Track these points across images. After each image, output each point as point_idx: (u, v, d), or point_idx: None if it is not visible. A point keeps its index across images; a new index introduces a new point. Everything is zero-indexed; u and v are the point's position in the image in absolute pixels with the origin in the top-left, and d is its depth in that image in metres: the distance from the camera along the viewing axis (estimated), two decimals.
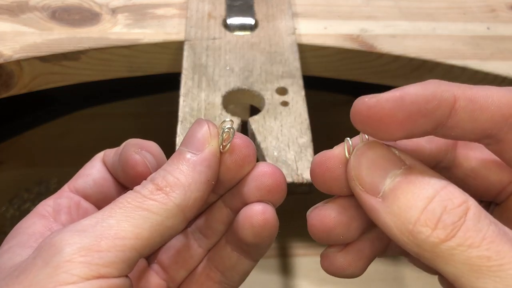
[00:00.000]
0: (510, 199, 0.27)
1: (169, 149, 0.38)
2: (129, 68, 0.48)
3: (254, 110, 0.42)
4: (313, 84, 0.47)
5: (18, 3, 0.50)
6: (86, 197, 0.31)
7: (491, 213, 0.26)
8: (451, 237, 0.20)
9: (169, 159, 0.26)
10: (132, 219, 0.24)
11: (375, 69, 0.48)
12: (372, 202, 0.23)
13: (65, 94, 0.61)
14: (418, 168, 0.23)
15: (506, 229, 0.21)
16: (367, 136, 0.25)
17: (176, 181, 0.25)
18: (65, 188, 0.31)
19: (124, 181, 0.30)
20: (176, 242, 0.30)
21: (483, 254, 0.20)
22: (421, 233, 0.21)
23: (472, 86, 0.23)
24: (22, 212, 0.58)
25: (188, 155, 0.26)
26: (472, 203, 0.21)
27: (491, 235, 0.20)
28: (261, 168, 0.27)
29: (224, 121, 0.27)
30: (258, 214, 0.27)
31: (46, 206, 0.30)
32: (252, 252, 0.29)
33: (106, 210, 0.24)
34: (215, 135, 0.26)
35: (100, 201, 0.31)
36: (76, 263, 0.22)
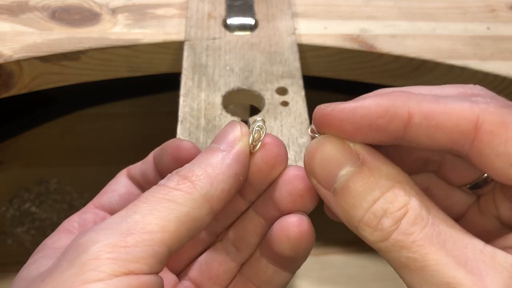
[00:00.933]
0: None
1: None
2: (129, 68, 0.48)
3: (254, 110, 0.42)
4: (313, 84, 0.47)
5: (18, 3, 0.50)
6: (113, 213, 0.29)
7: (494, 185, 0.27)
8: (386, 239, 0.22)
9: (198, 155, 0.26)
10: (157, 211, 0.23)
11: (375, 69, 0.48)
12: (325, 194, 0.24)
13: (65, 94, 0.61)
14: (371, 164, 0.24)
15: (448, 224, 0.23)
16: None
17: (203, 171, 0.24)
18: (90, 205, 0.31)
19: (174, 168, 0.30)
20: (208, 257, 0.29)
21: (411, 256, 0.22)
22: (364, 231, 0.23)
23: (433, 98, 0.23)
24: (22, 212, 0.58)
25: (219, 150, 0.25)
26: (412, 205, 0.23)
27: (421, 238, 0.22)
28: (293, 171, 0.27)
29: (255, 121, 0.27)
30: (294, 226, 0.26)
31: (72, 222, 0.29)
32: (289, 264, 0.28)
33: (131, 206, 0.24)
34: (246, 134, 0.26)
35: None
36: (103, 260, 0.21)
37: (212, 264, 0.29)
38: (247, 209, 0.29)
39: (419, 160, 0.27)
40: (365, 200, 0.23)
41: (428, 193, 0.28)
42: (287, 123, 0.39)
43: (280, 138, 0.38)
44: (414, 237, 0.22)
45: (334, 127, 0.24)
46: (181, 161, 0.28)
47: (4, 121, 0.61)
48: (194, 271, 0.29)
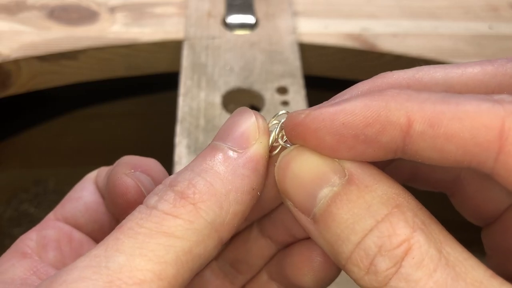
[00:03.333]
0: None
1: (168, 149, 0.38)
2: (127, 67, 0.47)
3: (254, 110, 0.42)
4: (313, 84, 0.47)
5: (16, 2, 0.49)
6: (78, 227, 0.24)
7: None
8: (383, 285, 0.17)
9: (196, 157, 0.19)
10: (149, 251, 0.17)
11: (376, 68, 0.48)
12: (304, 222, 0.18)
13: (63, 94, 0.61)
14: (361, 182, 0.18)
15: (469, 265, 0.16)
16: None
17: (209, 187, 0.18)
18: (51, 216, 0.25)
19: (113, 212, 0.24)
20: (202, 279, 0.24)
21: None
22: (353, 273, 0.17)
23: (441, 98, 0.17)
24: (20, 213, 0.58)
25: (228, 152, 0.19)
26: (417, 239, 0.16)
27: (431, 286, 0.16)
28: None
29: (277, 114, 0.21)
30: (319, 256, 0.21)
31: (28, 240, 0.23)
32: None
33: (110, 241, 0.17)
34: (265, 130, 0.20)
35: (96, 232, 0.25)
36: None
37: (247, 249, 0.24)
38: (249, 226, 0.24)
39: (426, 178, 0.22)
40: (353, 231, 0.17)
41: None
42: None
43: None
44: (422, 285, 0.16)
45: (309, 141, 0.18)
46: (124, 211, 0.22)
47: (1, 121, 0.60)
48: (228, 254, 0.24)
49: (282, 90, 0.41)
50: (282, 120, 0.20)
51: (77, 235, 0.24)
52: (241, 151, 0.19)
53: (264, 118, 0.20)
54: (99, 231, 0.25)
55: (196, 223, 0.17)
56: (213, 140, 0.20)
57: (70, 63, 0.45)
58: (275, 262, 0.23)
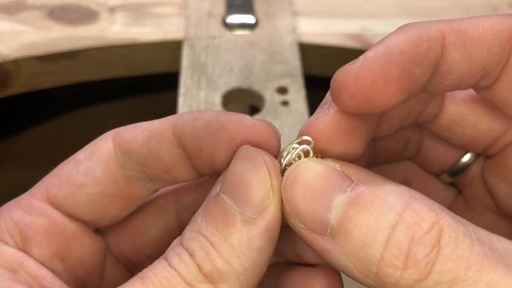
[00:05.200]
0: (504, 153, 0.23)
1: None
2: (127, 67, 0.47)
3: (254, 110, 0.42)
4: (313, 84, 0.47)
5: (16, 2, 0.49)
6: (74, 216, 0.21)
7: (481, 168, 0.24)
8: (427, 274, 0.16)
9: (206, 210, 0.18)
10: None
11: None
12: (320, 242, 0.18)
13: (63, 94, 0.61)
14: (370, 183, 0.18)
15: (494, 238, 0.17)
16: (301, 145, 0.20)
17: (227, 267, 0.17)
18: (42, 192, 0.21)
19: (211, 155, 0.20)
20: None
21: None
22: (389, 276, 0.16)
23: (462, 18, 0.20)
24: None
25: (242, 221, 0.18)
26: (445, 220, 0.16)
27: (476, 260, 0.16)
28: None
29: (292, 147, 0.20)
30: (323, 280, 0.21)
31: (9, 222, 0.20)
32: None
33: None
34: (278, 184, 0.18)
35: (96, 220, 0.22)
36: None
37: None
38: None
39: (398, 144, 0.24)
40: (378, 230, 0.16)
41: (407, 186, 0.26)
42: (288, 123, 0.39)
43: (281, 138, 0.38)
44: (467, 261, 0.16)
45: (377, 81, 0.18)
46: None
47: (1, 121, 0.60)
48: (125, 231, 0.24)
49: (282, 90, 0.41)
50: (295, 152, 0.19)
51: (71, 226, 0.21)
52: (254, 216, 0.18)
53: (274, 162, 0.19)
54: (100, 220, 0.22)
55: None
56: (221, 191, 0.18)
57: (70, 63, 0.45)
58: (274, 276, 0.22)
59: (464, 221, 0.17)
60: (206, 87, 0.41)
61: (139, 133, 0.21)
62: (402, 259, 0.16)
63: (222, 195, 0.18)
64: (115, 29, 0.47)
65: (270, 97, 0.41)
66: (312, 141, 0.19)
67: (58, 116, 0.63)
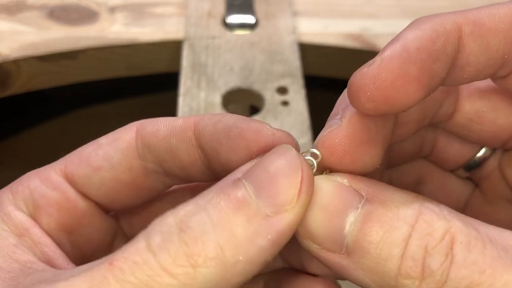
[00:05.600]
0: None
1: None
2: (127, 67, 0.47)
3: (254, 110, 0.42)
4: (313, 84, 0.47)
5: (16, 2, 0.49)
6: (87, 196, 0.22)
7: (499, 161, 0.24)
8: (443, 283, 0.16)
9: (219, 194, 0.17)
10: None
11: None
12: (336, 260, 0.18)
13: (63, 94, 0.61)
14: (379, 196, 0.18)
15: (507, 235, 0.17)
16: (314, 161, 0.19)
17: (219, 252, 0.16)
18: (61, 167, 0.22)
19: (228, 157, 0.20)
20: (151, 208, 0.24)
21: None
22: (407, 287, 0.17)
23: (468, 9, 0.19)
24: None
25: (255, 213, 0.17)
26: (456, 226, 0.17)
27: (490, 263, 0.16)
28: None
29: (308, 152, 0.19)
30: None
31: (25, 189, 0.21)
32: None
33: (96, 276, 0.16)
34: (306, 193, 0.17)
35: (107, 204, 0.22)
36: None
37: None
38: None
39: (413, 145, 0.24)
40: (392, 244, 0.17)
41: (421, 185, 0.25)
42: (288, 123, 0.39)
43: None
44: (480, 265, 0.16)
45: (397, 81, 0.17)
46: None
47: (1, 121, 0.60)
48: (134, 217, 0.24)
49: (282, 90, 0.41)
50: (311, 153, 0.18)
51: (82, 204, 0.22)
52: (271, 214, 0.17)
53: (310, 171, 0.18)
54: (112, 204, 0.22)
55: (191, 286, 0.16)
56: (244, 177, 0.17)
57: (70, 63, 0.45)
58: (277, 279, 0.22)
59: (476, 223, 0.17)
60: (206, 87, 0.41)
61: (162, 127, 0.21)
62: (418, 270, 0.16)
63: (244, 181, 0.17)
64: (115, 29, 0.47)
65: (270, 97, 0.41)
66: (319, 155, 0.19)
67: (58, 116, 0.63)
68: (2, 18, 0.47)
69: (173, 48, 0.46)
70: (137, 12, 0.49)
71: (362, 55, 0.47)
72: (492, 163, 0.24)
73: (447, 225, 0.17)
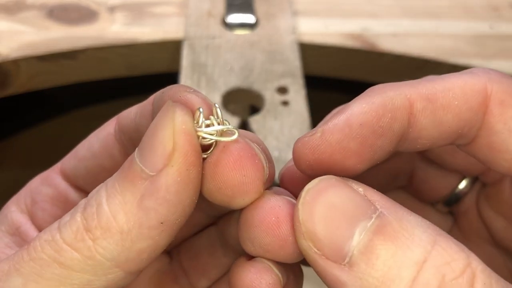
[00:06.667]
0: (501, 187, 0.22)
1: None
2: (127, 67, 0.47)
3: (254, 110, 0.42)
4: (314, 84, 0.47)
5: (15, 1, 0.49)
6: (77, 187, 0.23)
7: (476, 199, 0.23)
8: None
9: (119, 169, 0.17)
10: (44, 279, 0.16)
11: (376, 68, 0.48)
12: (335, 272, 0.16)
13: (63, 94, 0.61)
14: (395, 213, 0.16)
15: None
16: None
17: (111, 222, 0.16)
18: (58, 165, 0.23)
19: None
20: (199, 243, 0.23)
21: None
22: None
23: (424, 80, 0.18)
24: None
25: (138, 176, 0.16)
26: (477, 263, 0.15)
27: None
28: (263, 213, 0.17)
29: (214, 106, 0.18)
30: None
31: (27, 189, 0.23)
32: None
33: (16, 257, 0.17)
34: (184, 144, 0.16)
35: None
36: None
37: (201, 252, 0.22)
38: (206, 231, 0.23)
39: (388, 174, 0.23)
40: (404, 265, 0.15)
41: None
42: (288, 123, 0.39)
43: (281, 138, 0.38)
44: None
45: (334, 156, 0.17)
46: None
47: (1, 121, 0.60)
48: (183, 254, 0.23)
49: (282, 90, 0.41)
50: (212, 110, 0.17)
51: (74, 196, 0.23)
52: (153, 174, 0.16)
53: (189, 115, 0.16)
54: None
55: (94, 260, 0.16)
56: (138, 147, 0.17)
57: (69, 63, 0.45)
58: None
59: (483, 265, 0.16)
60: (206, 87, 0.41)
61: (134, 108, 0.21)
62: None
63: (137, 148, 0.17)
64: (115, 29, 0.47)
65: (270, 97, 0.41)
66: (217, 107, 0.17)
67: (58, 116, 0.63)
68: (2, 17, 0.47)
69: (173, 48, 0.46)
70: (137, 12, 0.49)
71: (362, 55, 0.47)
72: (471, 199, 0.24)
73: (467, 259, 0.15)
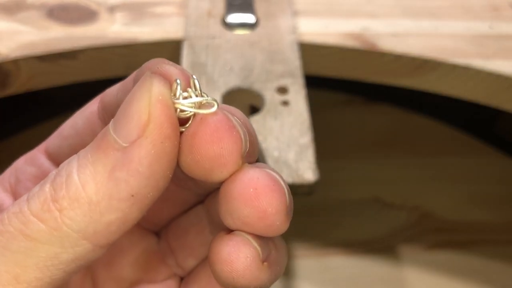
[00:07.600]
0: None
1: None
2: (127, 67, 0.47)
3: (254, 110, 0.42)
4: (314, 84, 0.47)
5: (15, 1, 0.49)
6: (57, 162, 0.22)
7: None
8: None
9: (93, 140, 0.17)
10: (10, 252, 0.16)
11: (377, 68, 0.48)
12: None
13: (63, 94, 0.61)
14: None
15: None
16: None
17: (80, 192, 0.16)
18: (43, 145, 0.23)
19: None
20: (186, 221, 0.22)
21: None
22: None
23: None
24: None
25: (111, 147, 0.16)
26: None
27: None
28: (241, 185, 0.17)
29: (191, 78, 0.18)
30: (225, 262, 0.17)
31: (13, 169, 0.23)
32: None
33: None
34: (161, 113, 0.16)
35: None
36: None
37: (189, 230, 0.22)
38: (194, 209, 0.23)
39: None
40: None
41: None
42: (288, 123, 0.39)
43: (281, 138, 0.38)
44: None
45: None
46: None
47: (1, 121, 0.60)
48: (171, 233, 0.22)
49: (282, 90, 0.41)
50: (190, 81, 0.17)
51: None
52: (126, 145, 0.16)
53: (167, 87, 0.16)
54: None
55: (60, 231, 0.16)
56: (113, 118, 0.17)
57: (69, 62, 0.45)
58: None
59: None
60: (206, 87, 0.41)
61: (116, 85, 0.21)
62: None
63: (111, 120, 0.17)
64: (114, 28, 0.47)
65: (270, 97, 0.41)
66: (194, 79, 0.17)
67: (58, 116, 0.63)
68: (2, 17, 0.47)
69: (173, 48, 0.46)
70: (137, 12, 0.49)
71: (362, 55, 0.47)
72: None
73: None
